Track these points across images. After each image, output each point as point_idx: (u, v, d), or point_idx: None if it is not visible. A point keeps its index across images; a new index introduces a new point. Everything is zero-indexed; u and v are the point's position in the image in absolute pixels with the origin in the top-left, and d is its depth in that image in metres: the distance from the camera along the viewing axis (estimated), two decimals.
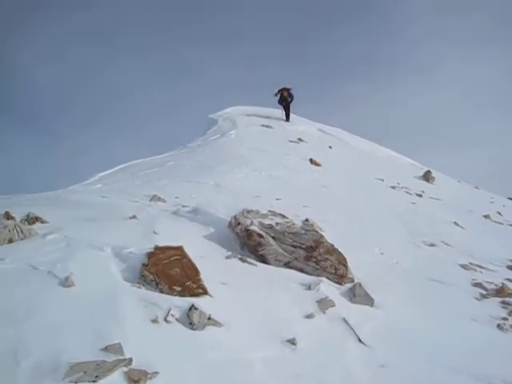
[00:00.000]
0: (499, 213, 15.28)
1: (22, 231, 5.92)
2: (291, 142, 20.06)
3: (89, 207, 7.93)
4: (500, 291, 7.10)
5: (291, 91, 24.67)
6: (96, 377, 3.51)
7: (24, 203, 8.02)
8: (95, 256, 5.48)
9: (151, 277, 5.12)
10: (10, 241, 5.74)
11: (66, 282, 4.70)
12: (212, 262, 6.08)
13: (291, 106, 25.36)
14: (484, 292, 7.15)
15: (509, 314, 6.39)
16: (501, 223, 13.92)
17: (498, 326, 6.06)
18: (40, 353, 3.68)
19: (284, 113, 25.59)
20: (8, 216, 6.57)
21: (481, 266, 8.44)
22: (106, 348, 3.85)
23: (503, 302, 6.76)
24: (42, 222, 6.67)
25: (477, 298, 6.95)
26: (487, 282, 7.52)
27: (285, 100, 24.89)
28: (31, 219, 6.64)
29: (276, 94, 24.59)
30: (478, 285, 7.40)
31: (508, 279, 7.86)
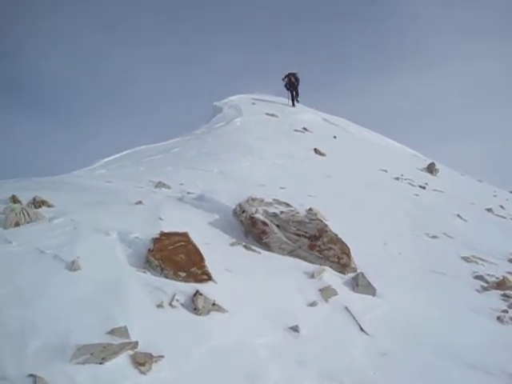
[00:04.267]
0: (502, 206, 15.28)
1: (28, 215, 5.95)
2: (296, 131, 20.04)
3: (94, 192, 7.96)
4: (501, 284, 7.13)
5: (297, 75, 25.00)
6: (102, 359, 3.58)
7: (30, 187, 8.04)
8: (101, 240, 5.52)
9: (156, 262, 5.17)
10: (17, 224, 5.77)
11: (72, 266, 4.75)
12: (216, 248, 6.12)
13: (299, 89, 25.72)
14: (485, 284, 7.19)
15: (509, 307, 6.43)
16: (503, 217, 13.92)
17: (498, 318, 6.11)
18: (47, 334, 3.74)
19: (291, 99, 25.86)
20: (14, 199, 6.61)
21: (482, 259, 8.47)
22: (112, 331, 3.92)
23: (504, 295, 6.80)
24: (49, 205, 6.69)
25: (478, 291, 6.99)
26: (488, 274, 7.56)
27: (292, 85, 25.22)
28: (37, 203, 6.66)
29: (283, 79, 24.83)
30: (479, 277, 7.44)
31: (509, 272, 7.88)
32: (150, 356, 3.75)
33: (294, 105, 25.79)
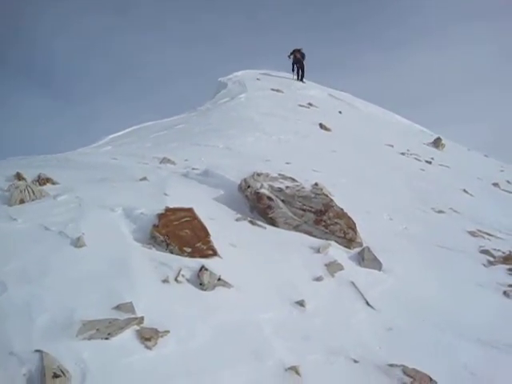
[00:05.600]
0: (509, 181, 15.25)
1: (33, 192, 5.94)
2: (301, 106, 19.95)
3: (99, 169, 7.95)
4: (507, 258, 7.12)
5: (302, 51, 25.29)
6: (108, 334, 3.58)
7: (35, 164, 8.05)
8: (106, 216, 5.51)
9: (162, 238, 5.16)
10: (22, 201, 5.76)
11: (77, 242, 4.73)
12: (222, 224, 6.11)
13: (305, 65, 26.01)
14: (491, 259, 7.17)
15: None
16: (510, 192, 13.88)
17: (505, 292, 6.09)
18: (54, 310, 3.73)
19: (297, 75, 26.21)
20: (19, 177, 6.61)
21: (489, 234, 8.45)
22: (117, 307, 3.91)
23: (510, 270, 6.78)
24: (53, 183, 6.68)
25: (484, 265, 6.98)
26: (495, 249, 7.54)
27: (298, 61, 25.43)
28: (42, 180, 6.65)
29: (289, 57, 24.99)
30: (485, 252, 7.42)
31: None
32: (156, 331, 3.75)
33: (301, 80, 25.96)
